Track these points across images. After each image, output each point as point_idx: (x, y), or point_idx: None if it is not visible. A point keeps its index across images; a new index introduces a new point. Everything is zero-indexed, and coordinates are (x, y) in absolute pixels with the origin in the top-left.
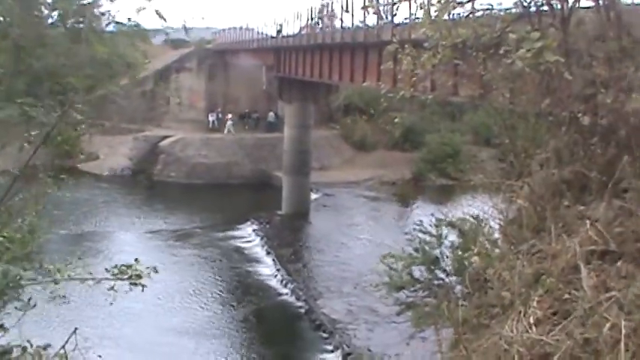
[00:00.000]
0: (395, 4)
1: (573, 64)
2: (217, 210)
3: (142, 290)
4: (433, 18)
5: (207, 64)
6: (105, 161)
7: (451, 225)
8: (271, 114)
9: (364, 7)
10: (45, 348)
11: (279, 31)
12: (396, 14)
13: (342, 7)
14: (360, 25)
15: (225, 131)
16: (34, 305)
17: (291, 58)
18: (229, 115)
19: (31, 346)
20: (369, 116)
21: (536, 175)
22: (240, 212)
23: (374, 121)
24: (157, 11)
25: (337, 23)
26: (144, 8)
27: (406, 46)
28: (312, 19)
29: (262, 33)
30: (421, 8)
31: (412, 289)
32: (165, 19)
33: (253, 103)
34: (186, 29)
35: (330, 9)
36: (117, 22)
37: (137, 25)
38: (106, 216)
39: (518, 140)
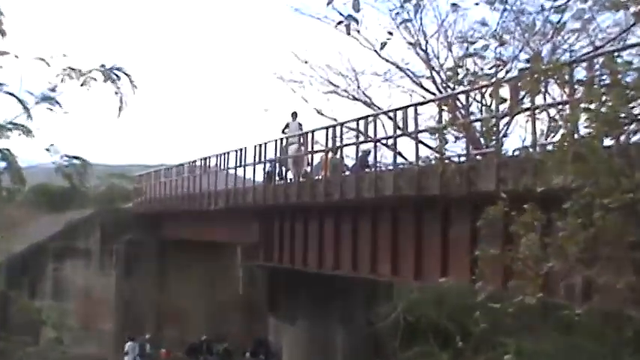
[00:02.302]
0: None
1: None
2: None
3: None
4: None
5: (123, 243)
6: None
7: None
8: None
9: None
10: None
11: (269, 173)
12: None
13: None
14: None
15: None
16: None
17: (294, 229)
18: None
19: None
20: (454, 350)
21: None
22: None
23: (462, 354)
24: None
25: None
26: None
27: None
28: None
29: (236, 176)
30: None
31: None
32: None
33: (217, 322)
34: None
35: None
36: None
37: None
38: None
39: None
